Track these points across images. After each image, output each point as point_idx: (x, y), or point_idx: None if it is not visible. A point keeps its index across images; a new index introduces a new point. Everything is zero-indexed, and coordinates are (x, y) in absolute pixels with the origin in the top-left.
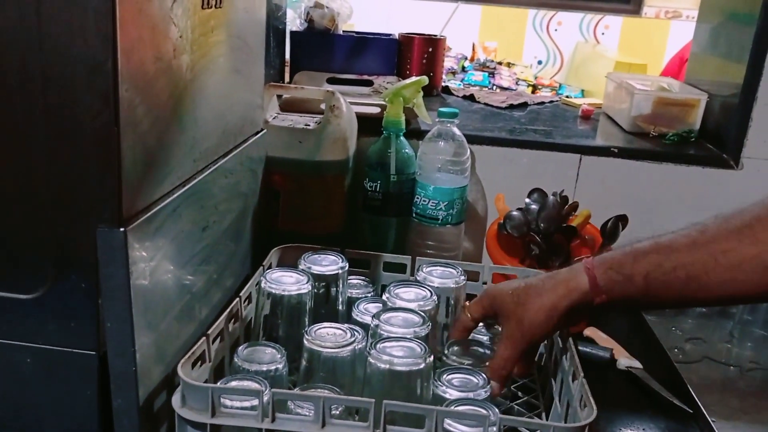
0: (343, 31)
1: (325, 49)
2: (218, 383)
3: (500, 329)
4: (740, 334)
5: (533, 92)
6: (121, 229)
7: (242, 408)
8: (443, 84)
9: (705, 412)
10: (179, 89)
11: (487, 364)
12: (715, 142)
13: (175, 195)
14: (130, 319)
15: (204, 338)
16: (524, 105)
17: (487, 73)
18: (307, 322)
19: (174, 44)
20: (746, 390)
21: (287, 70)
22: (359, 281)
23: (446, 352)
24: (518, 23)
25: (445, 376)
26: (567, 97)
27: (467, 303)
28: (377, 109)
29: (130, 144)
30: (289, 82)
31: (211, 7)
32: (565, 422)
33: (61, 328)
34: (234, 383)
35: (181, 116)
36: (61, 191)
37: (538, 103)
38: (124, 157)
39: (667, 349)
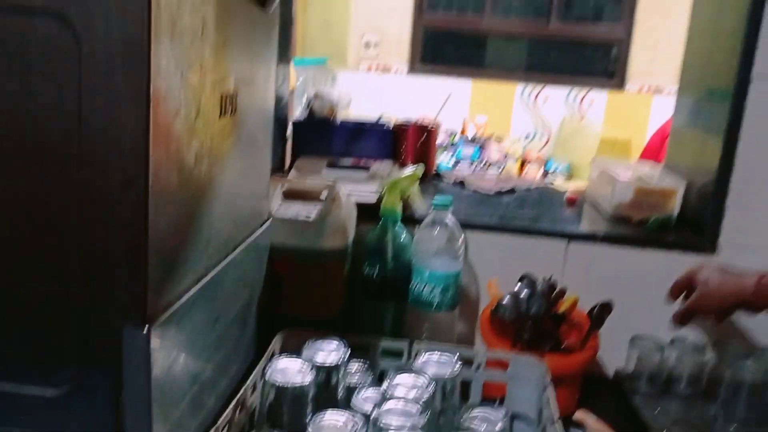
0: (341, 122)
1: (325, 137)
2: None
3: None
4: (724, 415)
5: (522, 166)
6: (145, 329)
7: None
8: (435, 171)
9: None
10: (198, 193)
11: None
12: (693, 227)
13: (192, 291)
14: (149, 412)
15: (213, 430)
16: (512, 191)
17: (478, 146)
18: (309, 410)
19: (196, 154)
20: None
21: (288, 154)
22: (359, 365)
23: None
24: (506, 98)
25: None
26: (554, 171)
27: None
28: (374, 198)
29: (156, 250)
30: (290, 167)
31: (227, 114)
32: None
33: (85, 422)
34: None
35: (199, 217)
36: (91, 294)
37: (526, 189)
38: (150, 263)
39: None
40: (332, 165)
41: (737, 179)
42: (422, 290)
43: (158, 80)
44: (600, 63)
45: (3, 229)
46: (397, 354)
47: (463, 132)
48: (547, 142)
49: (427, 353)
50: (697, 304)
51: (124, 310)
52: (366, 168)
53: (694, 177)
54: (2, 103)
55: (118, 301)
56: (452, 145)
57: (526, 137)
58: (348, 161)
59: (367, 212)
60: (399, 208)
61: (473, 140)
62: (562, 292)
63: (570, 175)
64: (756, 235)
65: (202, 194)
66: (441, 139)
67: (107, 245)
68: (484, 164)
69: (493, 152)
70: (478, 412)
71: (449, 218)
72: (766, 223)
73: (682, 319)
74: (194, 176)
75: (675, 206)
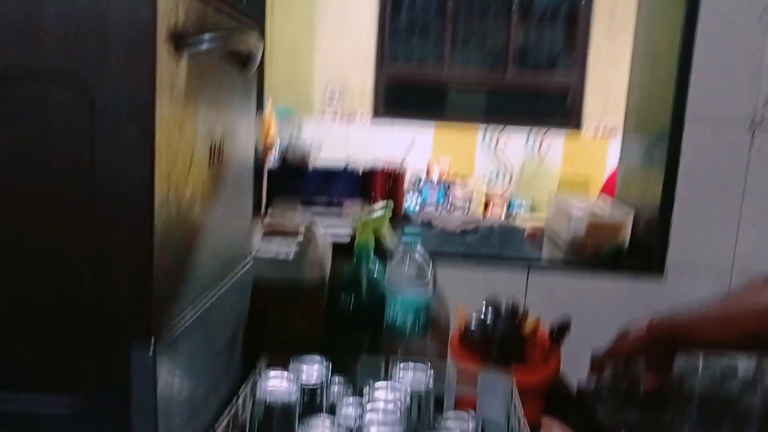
0: (313, 168)
1: (299, 182)
2: None
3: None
4: (680, 419)
5: (486, 205)
6: (151, 351)
7: None
8: (403, 213)
9: None
10: (191, 233)
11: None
12: (642, 253)
13: (188, 317)
14: (156, 426)
15: None
16: (476, 229)
17: (443, 187)
18: (296, 425)
19: (189, 198)
20: None
21: (264, 197)
22: (340, 382)
23: None
24: (469, 142)
25: None
26: (518, 209)
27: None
28: (348, 237)
29: (159, 282)
30: (267, 207)
31: (215, 163)
32: None
33: None
34: None
35: (192, 253)
36: (102, 320)
37: (489, 227)
38: (155, 292)
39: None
40: (307, 203)
41: (679, 208)
42: (396, 317)
43: (160, 133)
44: (556, 108)
45: (24, 264)
46: (375, 369)
47: (428, 174)
48: (510, 182)
49: (403, 365)
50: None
51: (132, 333)
52: (339, 205)
53: (641, 208)
54: (22, 154)
55: (125, 325)
56: (418, 188)
57: (490, 179)
58: (322, 200)
59: (342, 250)
60: (372, 244)
61: (438, 182)
62: (525, 315)
63: (533, 211)
64: (699, 256)
65: (194, 233)
66: (407, 183)
67: (118, 277)
68: (450, 206)
69: (458, 193)
70: (451, 419)
71: (419, 250)
72: (707, 246)
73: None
74: (189, 217)
75: (625, 235)
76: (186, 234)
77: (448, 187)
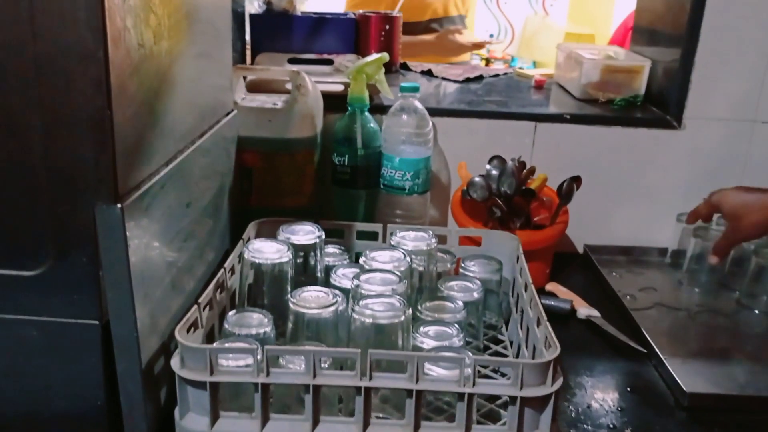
0: (301, 13)
1: (285, 31)
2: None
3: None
4: (688, 281)
5: (487, 65)
6: (118, 206)
7: (237, 366)
8: (401, 60)
9: (658, 351)
10: (160, 74)
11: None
12: (659, 105)
13: (162, 173)
14: (130, 288)
15: (196, 306)
16: (480, 78)
17: None
18: (288, 290)
19: (154, 31)
20: (694, 330)
21: (248, 52)
22: (335, 249)
23: (420, 308)
24: None
25: (422, 328)
26: (520, 68)
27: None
28: (341, 87)
29: (122, 125)
30: (251, 64)
31: None
32: None
33: (65, 301)
34: (228, 345)
35: (163, 99)
36: (59, 173)
37: (493, 76)
38: (117, 139)
39: (621, 298)
40: (294, 60)
41: (702, 54)
42: (393, 176)
43: None
44: None
45: None
46: (372, 237)
47: None
48: (512, 42)
49: (402, 232)
50: (732, 240)
51: (95, 188)
52: (329, 62)
53: (660, 57)
54: None
55: (87, 179)
56: None
57: (491, 37)
58: (311, 56)
59: (335, 103)
60: (366, 96)
61: None
62: (532, 170)
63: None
64: (719, 109)
65: (164, 75)
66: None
67: (70, 121)
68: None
69: None
70: (455, 282)
71: (417, 104)
72: (729, 96)
73: (721, 254)
74: (155, 54)
75: (641, 84)
76: (153, 74)
77: None
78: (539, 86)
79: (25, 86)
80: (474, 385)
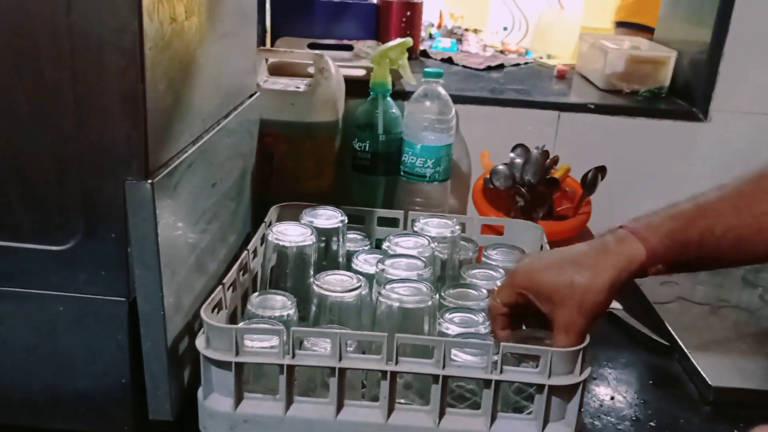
0: None
1: (305, 16)
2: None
3: (550, 317)
4: (710, 276)
5: None
6: (149, 182)
7: (262, 348)
8: (421, 48)
9: (681, 344)
10: (190, 51)
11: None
12: (684, 96)
13: (190, 151)
14: (158, 265)
15: (220, 287)
16: (501, 66)
17: (454, 40)
18: (311, 274)
19: (185, 5)
20: (717, 325)
21: (268, 37)
22: (356, 235)
23: (443, 295)
24: None
25: (447, 315)
26: (540, 58)
27: (494, 288)
28: (363, 72)
29: (154, 100)
30: (272, 46)
31: None
32: None
33: (92, 277)
34: (254, 326)
35: (191, 76)
36: (90, 147)
37: (514, 65)
38: (149, 114)
39: (644, 291)
40: (314, 46)
41: (731, 45)
42: (414, 163)
43: None
44: None
45: None
46: (392, 224)
47: (440, 25)
48: (526, 35)
49: (425, 219)
50: (584, 333)
51: (125, 163)
52: (350, 48)
53: (685, 48)
54: None
55: (118, 153)
56: (430, 37)
57: (505, 29)
58: (331, 41)
59: (357, 88)
60: (389, 81)
61: (451, 32)
62: (556, 160)
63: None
64: (747, 102)
65: (193, 53)
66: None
67: (103, 94)
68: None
69: (471, 45)
70: (478, 270)
71: (441, 90)
72: (758, 89)
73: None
74: (186, 30)
75: (667, 76)
76: (184, 50)
77: (461, 39)
78: (561, 76)
79: (59, 58)
80: (501, 372)
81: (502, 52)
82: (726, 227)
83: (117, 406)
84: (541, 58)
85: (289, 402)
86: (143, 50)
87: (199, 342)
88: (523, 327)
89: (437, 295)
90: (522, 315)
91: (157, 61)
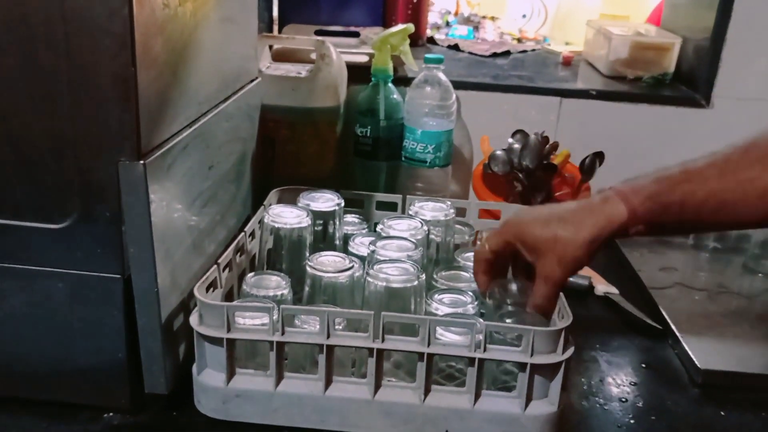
0: None
1: (313, 3)
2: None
3: (532, 265)
4: (711, 263)
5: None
6: (141, 163)
7: (254, 325)
8: (428, 35)
9: (674, 329)
10: (184, 35)
11: (528, 308)
12: (688, 83)
13: (185, 134)
14: (151, 244)
15: (215, 266)
16: (507, 53)
17: (471, 28)
18: (307, 255)
19: None
20: (713, 311)
21: (275, 24)
22: (354, 219)
23: (435, 277)
24: None
25: (436, 295)
26: (547, 44)
27: (484, 234)
28: (365, 58)
29: (146, 84)
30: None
31: None
32: None
33: (89, 254)
34: (244, 303)
35: (187, 61)
36: (84, 128)
37: (521, 51)
38: (141, 97)
39: (641, 277)
40: (321, 33)
41: (733, 32)
42: (415, 148)
43: None
44: None
45: None
46: (391, 208)
47: (456, 12)
48: (544, 23)
49: (421, 203)
50: (560, 284)
51: (118, 144)
52: (356, 34)
53: (690, 35)
54: None
55: (111, 135)
56: (447, 24)
57: (523, 17)
58: (337, 28)
59: (359, 74)
60: (390, 67)
61: (468, 20)
62: (555, 146)
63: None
64: (749, 88)
65: (188, 37)
66: (434, 18)
67: (96, 77)
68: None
69: (488, 32)
70: (470, 254)
71: (441, 76)
72: (760, 76)
73: (549, 306)
74: (179, 15)
75: (671, 62)
76: (177, 34)
77: (477, 26)
78: (567, 62)
79: (53, 42)
80: (485, 350)
81: (519, 39)
82: (708, 192)
83: (114, 379)
84: (548, 44)
85: (280, 378)
86: (134, 35)
87: (193, 319)
88: (509, 275)
89: (423, 276)
90: (510, 266)
91: (149, 45)
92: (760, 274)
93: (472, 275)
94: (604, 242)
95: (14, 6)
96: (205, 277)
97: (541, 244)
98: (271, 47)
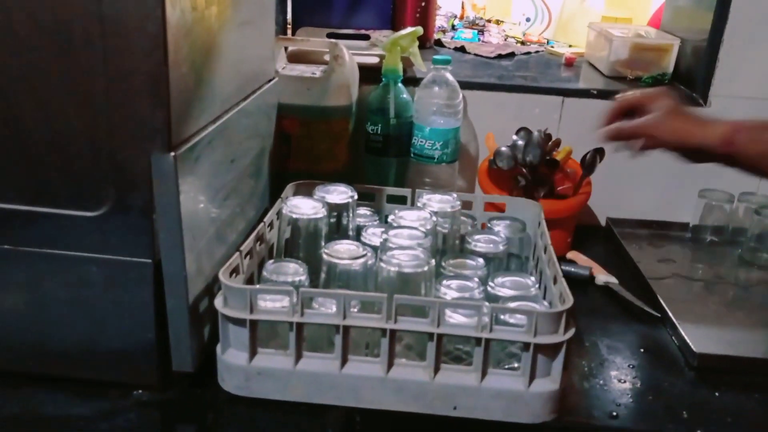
0: None
1: (325, 7)
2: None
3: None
4: (709, 255)
5: None
6: (172, 155)
7: (274, 308)
8: (435, 38)
9: (672, 316)
10: (209, 37)
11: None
12: (686, 83)
13: (209, 129)
14: (180, 230)
15: (237, 253)
16: (512, 55)
17: (476, 31)
18: (322, 245)
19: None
20: (710, 299)
21: (289, 27)
22: (366, 211)
23: (443, 265)
24: None
25: (444, 281)
26: (551, 46)
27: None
28: (376, 59)
29: (176, 82)
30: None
31: None
32: None
33: (122, 240)
34: (266, 287)
35: (211, 61)
36: (119, 123)
37: (525, 53)
38: (172, 94)
39: (640, 268)
40: (333, 35)
41: (730, 32)
42: (423, 145)
43: None
44: None
45: (29, 66)
46: (401, 201)
47: (462, 16)
48: (548, 26)
49: (428, 195)
50: (644, 128)
51: (151, 137)
52: (366, 37)
53: (689, 36)
54: None
55: (144, 129)
56: (452, 28)
57: (527, 20)
58: (348, 31)
59: (370, 75)
60: (400, 68)
61: (473, 23)
62: (557, 143)
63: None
64: (745, 87)
65: (213, 38)
66: (440, 21)
67: (130, 74)
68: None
69: (493, 35)
70: (481, 236)
71: (449, 77)
72: (756, 75)
73: (615, 135)
74: (206, 18)
75: (670, 63)
76: (204, 35)
77: (482, 30)
78: (569, 63)
79: (91, 43)
80: (491, 331)
81: (523, 42)
82: None
83: (144, 358)
84: (552, 46)
85: (298, 357)
86: (166, 36)
87: (218, 301)
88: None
89: (433, 261)
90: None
91: (180, 45)
92: (756, 266)
93: (477, 263)
94: (695, 146)
95: (55, 10)
96: (228, 263)
97: (660, 110)
98: (286, 49)
